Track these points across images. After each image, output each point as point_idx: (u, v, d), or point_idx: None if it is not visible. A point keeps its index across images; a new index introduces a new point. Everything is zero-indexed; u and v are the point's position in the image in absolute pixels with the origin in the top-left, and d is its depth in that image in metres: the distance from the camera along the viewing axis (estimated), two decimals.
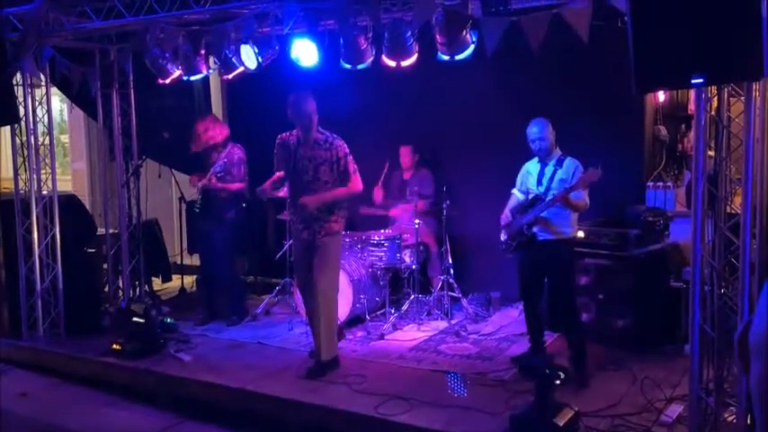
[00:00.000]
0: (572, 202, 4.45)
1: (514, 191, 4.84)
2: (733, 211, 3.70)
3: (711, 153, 3.78)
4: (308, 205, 4.62)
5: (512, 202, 4.81)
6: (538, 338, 4.85)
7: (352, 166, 4.74)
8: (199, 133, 5.92)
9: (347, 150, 4.73)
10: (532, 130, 4.58)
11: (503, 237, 4.78)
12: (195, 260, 7.34)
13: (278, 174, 4.82)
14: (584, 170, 4.48)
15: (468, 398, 4.27)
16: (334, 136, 4.76)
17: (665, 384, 4.30)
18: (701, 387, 3.71)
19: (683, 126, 6.26)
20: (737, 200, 3.65)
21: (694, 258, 3.66)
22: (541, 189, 4.58)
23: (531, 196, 4.65)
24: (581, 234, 5.16)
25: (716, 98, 3.68)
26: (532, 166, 4.71)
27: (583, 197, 4.48)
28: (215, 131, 5.89)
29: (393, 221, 6.42)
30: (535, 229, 4.56)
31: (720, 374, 3.74)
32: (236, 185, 5.86)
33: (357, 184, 4.77)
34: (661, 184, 5.81)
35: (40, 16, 5.19)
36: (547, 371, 3.80)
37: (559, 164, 4.56)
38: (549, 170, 4.58)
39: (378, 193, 6.26)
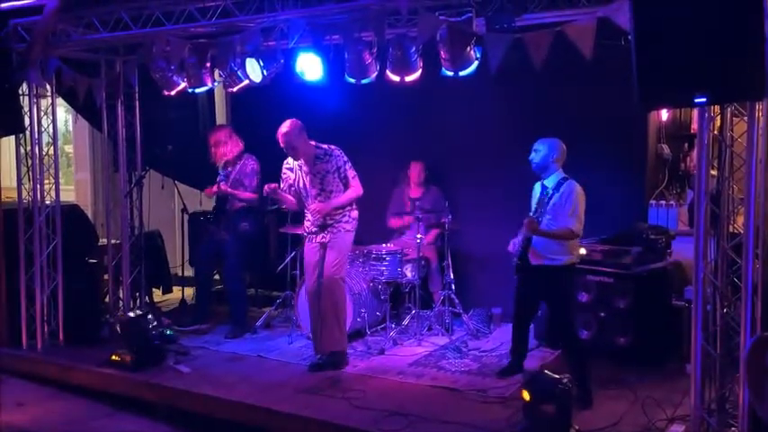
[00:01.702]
0: (541, 233, 4.37)
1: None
2: (736, 231, 3.70)
3: (714, 172, 3.79)
4: (321, 210, 4.95)
5: None
6: (519, 357, 4.88)
7: (351, 172, 5.06)
8: (210, 145, 5.99)
9: (345, 158, 5.04)
10: (535, 144, 4.54)
11: (514, 261, 4.67)
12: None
13: (275, 185, 5.10)
14: (582, 197, 4.40)
15: (468, 414, 4.25)
16: (331, 147, 5.04)
17: (666, 404, 4.27)
18: (702, 407, 3.69)
19: (686, 145, 6.27)
20: (740, 219, 3.65)
21: (696, 277, 3.65)
22: (537, 213, 4.49)
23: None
24: (582, 251, 5.15)
25: (719, 117, 3.70)
26: (537, 187, 4.64)
27: (564, 226, 4.34)
28: (226, 148, 5.96)
29: (398, 235, 6.42)
30: (529, 255, 4.52)
31: (722, 394, 3.73)
32: (248, 195, 5.90)
33: (358, 188, 5.08)
34: (663, 202, 5.82)
35: (47, 27, 5.23)
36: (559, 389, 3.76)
37: (557, 188, 4.44)
38: (546, 193, 4.48)
39: (393, 222, 6.37)
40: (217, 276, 6.84)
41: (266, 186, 5.09)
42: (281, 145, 4.96)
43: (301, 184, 5.08)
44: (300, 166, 5.06)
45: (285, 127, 4.92)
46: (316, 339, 5.20)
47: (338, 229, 5.04)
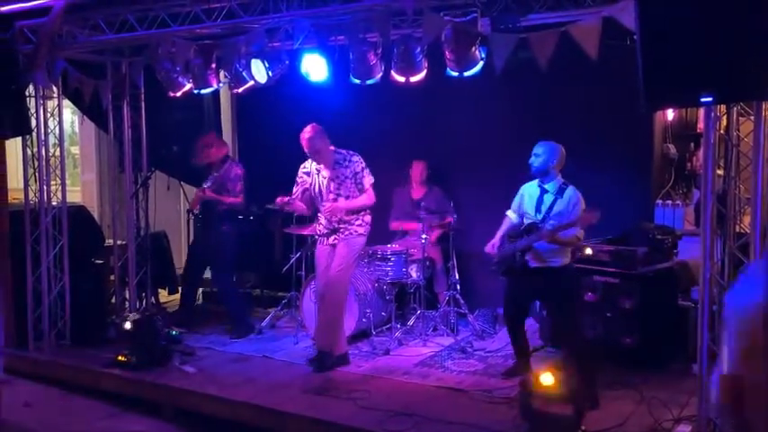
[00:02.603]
0: (560, 240, 4.39)
1: (509, 212, 4.76)
2: (742, 231, 3.69)
3: (720, 172, 3.78)
4: (334, 210, 4.98)
5: (505, 226, 4.75)
6: (524, 357, 4.90)
7: (368, 180, 5.10)
8: (198, 148, 6.12)
9: (364, 165, 5.09)
10: (535, 147, 4.56)
11: (494, 259, 4.72)
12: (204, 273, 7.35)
13: (287, 198, 5.12)
14: (584, 206, 4.40)
15: (474, 415, 4.24)
16: (351, 152, 5.10)
17: (672, 404, 4.26)
18: (709, 407, 3.67)
19: (692, 144, 6.25)
20: (747, 219, 3.63)
21: (703, 277, 3.64)
22: (539, 217, 4.50)
23: (527, 223, 4.58)
24: (588, 251, 5.14)
25: (725, 117, 3.69)
26: (531, 189, 4.64)
27: (573, 234, 4.38)
28: (211, 151, 6.07)
29: (402, 235, 6.41)
30: (527, 257, 4.52)
31: None
32: (231, 199, 5.99)
33: (371, 196, 5.13)
34: (670, 202, 5.80)
35: (53, 29, 5.25)
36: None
37: (560, 193, 4.45)
38: (548, 198, 4.49)
39: (395, 225, 6.39)
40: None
41: (278, 199, 5.10)
42: (306, 149, 5.00)
43: (317, 189, 5.13)
44: (319, 171, 5.11)
45: (308, 132, 4.97)
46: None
47: (350, 231, 5.07)
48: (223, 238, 6.01)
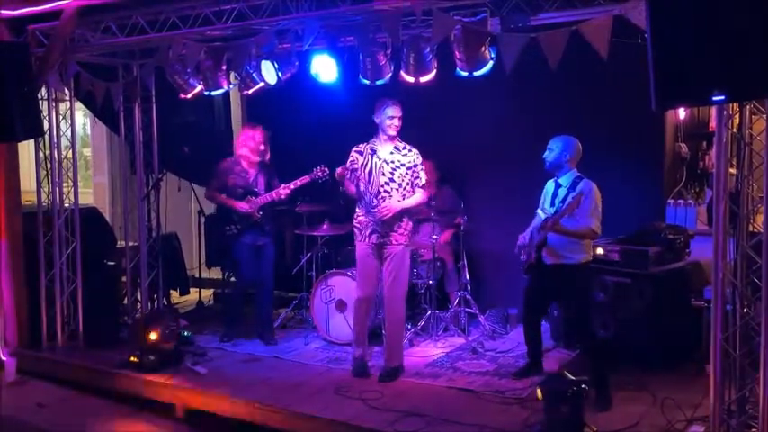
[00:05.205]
0: (563, 231, 4.35)
1: (538, 210, 4.73)
2: (755, 230, 3.66)
3: (733, 171, 3.75)
4: (391, 209, 4.82)
5: (535, 222, 4.71)
6: (536, 358, 4.87)
7: (424, 176, 5.01)
8: (262, 141, 5.76)
9: (422, 160, 5.00)
10: (550, 142, 4.56)
11: (522, 257, 4.68)
12: (213, 274, 7.39)
13: (349, 167, 4.96)
14: (599, 197, 4.39)
15: (484, 415, 4.23)
16: (412, 146, 5.01)
17: (685, 405, 4.23)
18: (722, 408, 3.65)
19: (705, 143, 6.21)
20: (760, 218, 3.61)
21: (716, 277, 3.61)
22: (552, 210, 4.49)
23: (543, 217, 4.59)
24: (600, 251, 5.12)
25: (737, 115, 3.66)
26: (549, 185, 4.65)
27: (584, 225, 4.34)
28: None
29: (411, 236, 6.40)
30: (543, 253, 4.50)
31: (743, 395, 3.68)
32: (287, 191, 5.71)
33: (425, 195, 5.05)
34: (682, 201, 5.76)
35: (65, 32, 5.29)
36: (572, 390, 3.73)
37: (573, 187, 4.44)
38: (561, 192, 4.48)
39: None
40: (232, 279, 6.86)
41: (339, 168, 4.91)
42: (374, 115, 4.90)
43: (367, 170, 4.92)
44: (374, 152, 4.94)
45: (384, 101, 4.88)
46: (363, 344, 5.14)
47: (392, 240, 4.90)
48: (274, 240, 5.93)
